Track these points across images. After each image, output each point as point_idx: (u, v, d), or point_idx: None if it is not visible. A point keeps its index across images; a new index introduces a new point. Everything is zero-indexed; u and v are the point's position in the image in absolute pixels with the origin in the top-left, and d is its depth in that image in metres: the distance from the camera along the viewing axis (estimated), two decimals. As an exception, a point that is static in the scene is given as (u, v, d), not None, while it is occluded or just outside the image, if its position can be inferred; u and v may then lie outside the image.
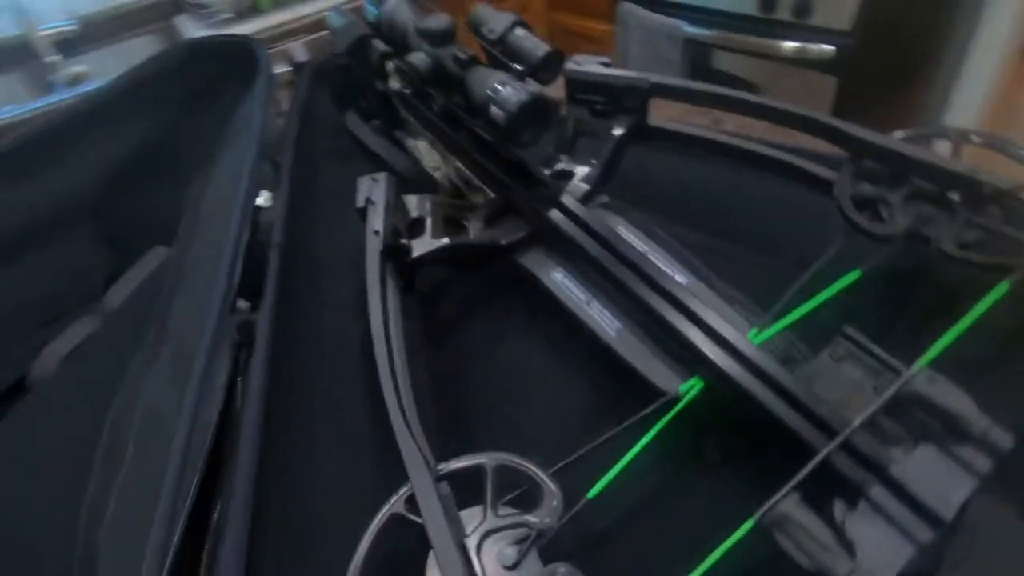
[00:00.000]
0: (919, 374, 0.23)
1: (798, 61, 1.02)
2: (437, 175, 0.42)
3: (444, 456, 0.24)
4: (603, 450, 0.26)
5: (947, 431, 0.22)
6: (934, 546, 0.21)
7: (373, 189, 0.33)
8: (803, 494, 0.22)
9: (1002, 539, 0.21)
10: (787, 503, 0.21)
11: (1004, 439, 0.21)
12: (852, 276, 0.29)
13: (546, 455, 0.25)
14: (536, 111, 0.30)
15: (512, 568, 0.22)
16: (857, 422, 0.23)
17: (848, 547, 0.20)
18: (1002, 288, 0.26)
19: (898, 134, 0.32)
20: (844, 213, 0.30)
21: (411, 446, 0.24)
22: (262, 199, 0.44)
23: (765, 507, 0.21)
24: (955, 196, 0.29)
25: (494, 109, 0.30)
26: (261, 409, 0.29)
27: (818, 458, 0.23)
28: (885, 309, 0.31)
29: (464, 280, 0.38)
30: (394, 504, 0.23)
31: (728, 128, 0.46)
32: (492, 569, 0.22)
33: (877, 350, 0.28)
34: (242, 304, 0.36)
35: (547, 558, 0.23)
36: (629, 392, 0.29)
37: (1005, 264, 0.26)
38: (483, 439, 0.30)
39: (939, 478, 0.22)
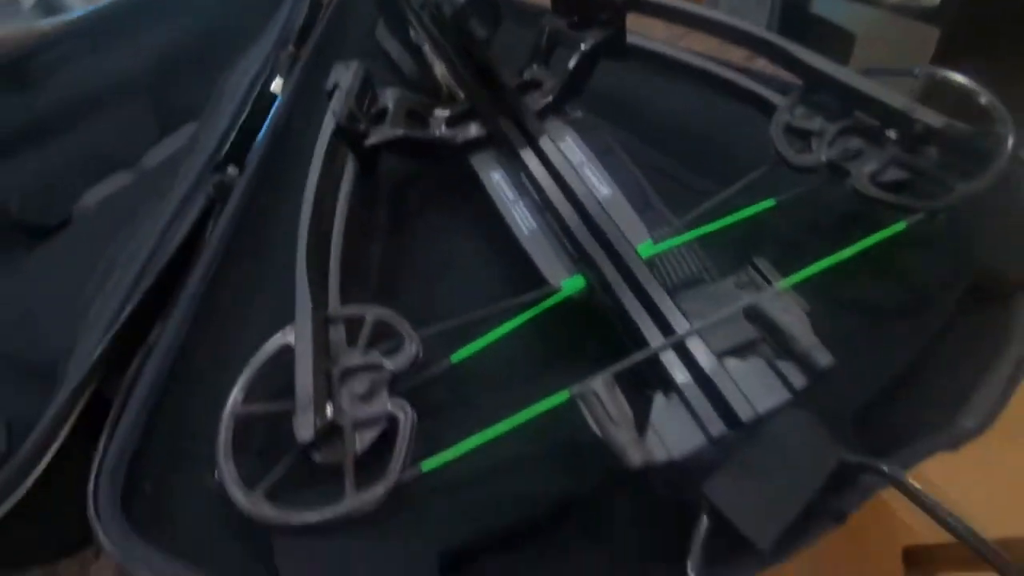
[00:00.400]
0: (769, 291, 0.24)
1: (901, 9, 0.92)
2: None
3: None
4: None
5: (778, 346, 0.23)
6: (724, 445, 0.22)
7: (343, 74, 0.36)
8: (627, 382, 0.24)
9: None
10: (598, 381, 0.23)
11: (822, 359, 0.22)
12: (766, 204, 0.29)
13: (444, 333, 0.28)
14: (481, 5, 0.31)
15: (361, 399, 0.26)
16: (690, 328, 0.24)
17: (642, 427, 0.22)
18: (896, 228, 0.25)
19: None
20: (772, 139, 0.29)
21: (304, 285, 0.27)
22: (276, 86, 0.48)
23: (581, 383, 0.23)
24: (892, 134, 0.27)
25: (444, 3, 0.32)
26: (215, 254, 0.34)
27: (643, 353, 0.24)
28: (796, 241, 0.30)
29: (425, 175, 0.41)
30: (284, 333, 0.27)
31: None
32: (347, 398, 0.26)
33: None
34: (232, 171, 0.41)
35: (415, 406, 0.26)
36: (532, 286, 0.31)
37: (911, 206, 0.25)
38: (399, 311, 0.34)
39: (751, 386, 0.23)
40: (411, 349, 0.26)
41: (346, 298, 0.30)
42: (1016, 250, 0.27)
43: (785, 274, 0.28)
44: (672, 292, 0.26)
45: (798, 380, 0.22)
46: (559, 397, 0.24)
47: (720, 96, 0.40)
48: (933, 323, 0.28)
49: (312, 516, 0.23)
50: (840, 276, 0.26)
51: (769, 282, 0.28)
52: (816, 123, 0.29)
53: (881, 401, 0.27)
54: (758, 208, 0.29)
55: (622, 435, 0.21)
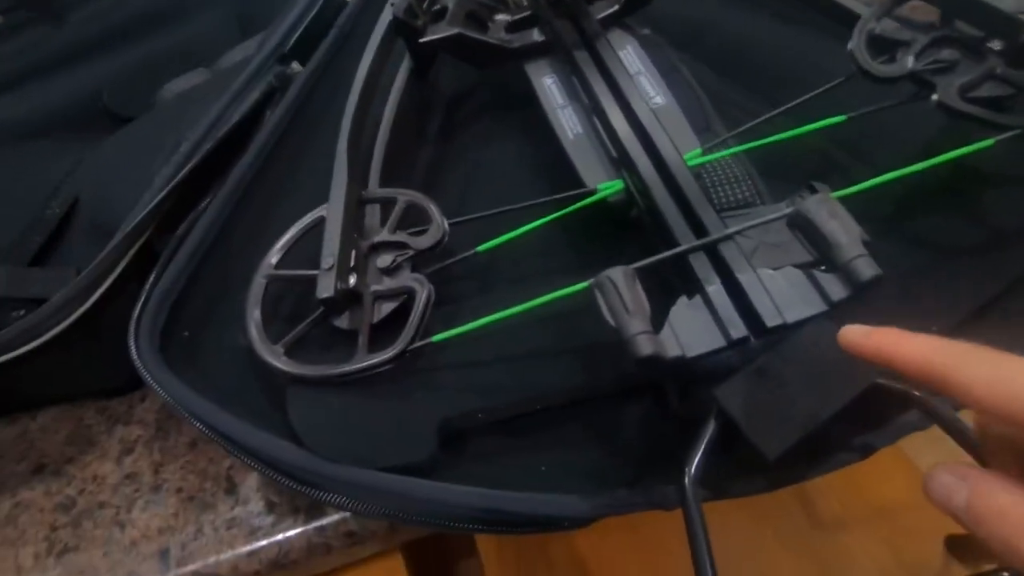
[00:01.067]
0: (816, 196, 0.22)
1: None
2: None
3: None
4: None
5: (820, 255, 0.21)
6: (746, 353, 0.21)
7: (409, -30, 0.36)
8: (657, 288, 0.23)
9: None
10: (616, 271, 0.22)
11: (867, 270, 0.20)
12: (834, 119, 0.27)
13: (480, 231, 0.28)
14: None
15: (385, 272, 0.26)
16: (726, 232, 0.23)
17: (657, 322, 0.21)
18: (983, 144, 0.22)
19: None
20: (850, 48, 0.26)
21: (343, 159, 0.28)
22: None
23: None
24: (995, 45, 0.24)
25: None
26: (270, 135, 0.35)
27: (672, 252, 0.23)
28: (866, 166, 0.27)
29: (480, 88, 0.40)
30: (323, 208, 0.28)
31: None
32: (372, 271, 0.27)
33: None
34: (295, 67, 0.42)
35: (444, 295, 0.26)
36: (572, 188, 0.30)
37: (1005, 122, 0.22)
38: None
39: (783, 294, 0.21)
40: (436, 230, 0.26)
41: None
42: None
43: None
44: (718, 211, 0.25)
45: (837, 292, 0.21)
46: (578, 286, 0.23)
47: (801, 23, 0.37)
48: (1010, 270, 0.25)
49: (324, 370, 0.24)
50: (910, 201, 0.24)
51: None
52: (906, 33, 0.26)
53: None
54: (825, 123, 0.26)
55: (634, 324, 0.20)
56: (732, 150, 0.28)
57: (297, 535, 0.26)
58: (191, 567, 0.26)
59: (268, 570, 0.26)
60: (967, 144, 0.22)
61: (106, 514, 0.28)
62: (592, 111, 0.31)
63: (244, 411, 0.25)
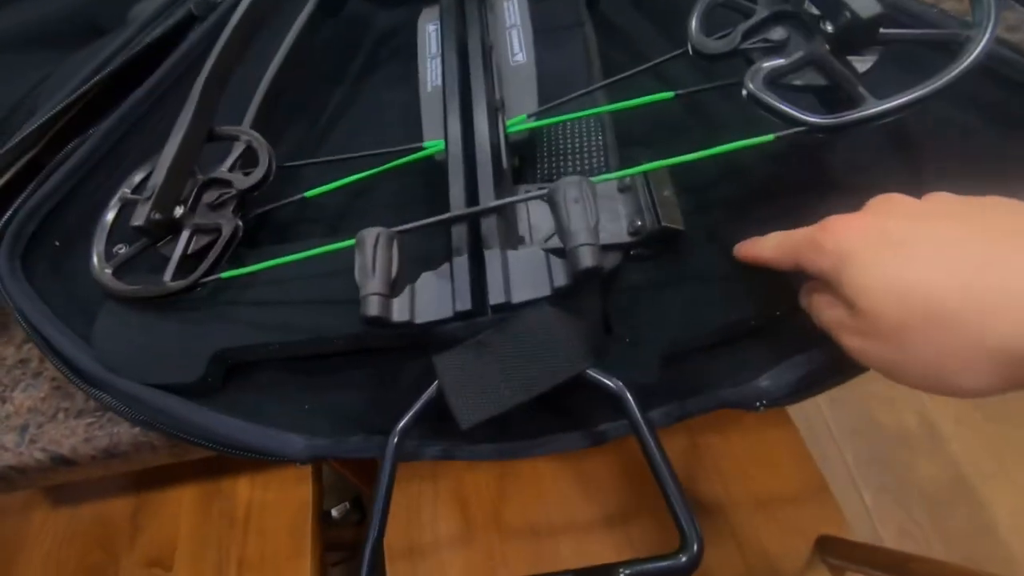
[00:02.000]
0: (569, 178, 0.21)
1: None
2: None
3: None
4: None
5: (560, 237, 0.21)
6: (477, 325, 0.21)
7: None
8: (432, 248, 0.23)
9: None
10: (373, 231, 0.22)
11: (584, 260, 0.20)
12: (663, 96, 0.25)
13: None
14: None
15: (210, 208, 0.28)
16: (484, 207, 0.23)
17: (400, 288, 0.22)
18: (762, 139, 0.21)
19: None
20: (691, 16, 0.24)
21: (196, 95, 0.29)
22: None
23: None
24: (828, 26, 0.21)
25: None
26: (174, 65, 0.36)
27: (434, 220, 0.23)
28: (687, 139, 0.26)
29: (399, 31, 0.39)
30: None
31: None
32: (201, 204, 0.28)
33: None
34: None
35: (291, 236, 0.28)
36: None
37: (796, 119, 0.20)
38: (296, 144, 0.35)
39: (519, 275, 0.21)
40: (260, 171, 0.28)
41: (288, 133, 0.31)
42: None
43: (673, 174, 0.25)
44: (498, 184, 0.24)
45: (560, 278, 0.20)
46: (345, 243, 0.24)
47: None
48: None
49: (131, 291, 0.26)
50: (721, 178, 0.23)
51: (647, 180, 0.25)
52: (752, 5, 0.23)
53: (711, 344, 0.24)
54: (652, 99, 0.25)
55: (370, 284, 0.21)
56: (557, 119, 0.27)
57: (125, 432, 0.29)
58: (40, 444, 0.30)
59: (103, 456, 0.30)
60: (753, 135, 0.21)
61: (-4, 390, 0.33)
62: (442, 65, 0.30)
63: (82, 317, 0.28)
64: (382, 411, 0.25)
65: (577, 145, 0.29)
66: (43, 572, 0.50)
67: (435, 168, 0.28)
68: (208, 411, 0.24)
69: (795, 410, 1.01)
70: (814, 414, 0.97)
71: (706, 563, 0.42)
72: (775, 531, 0.41)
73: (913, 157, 0.24)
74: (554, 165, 0.29)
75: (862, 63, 0.21)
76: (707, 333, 0.23)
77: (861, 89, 0.20)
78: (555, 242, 0.24)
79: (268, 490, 0.50)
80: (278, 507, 0.49)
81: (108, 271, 0.27)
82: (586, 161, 0.29)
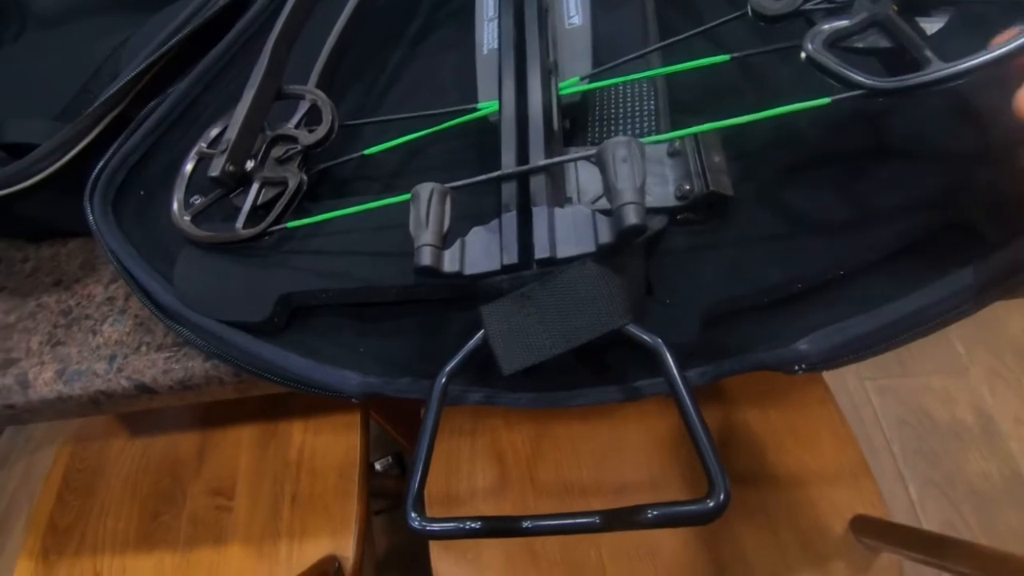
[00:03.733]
0: (618, 138, 0.22)
1: None
2: None
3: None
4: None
5: (607, 196, 0.22)
6: (522, 278, 0.23)
7: None
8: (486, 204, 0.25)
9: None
10: (427, 186, 0.23)
11: (629, 217, 0.20)
12: (718, 59, 0.25)
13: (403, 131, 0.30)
14: None
15: (278, 162, 0.30)
16: (533, 166, 0.23)
17: (451, 241, 0.23)
18: (818, 103, 0.20)
19: None
20: (750, -21, 0.24)
21: (267, 53, 0.31)
22: None
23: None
24: (897, -12, 0.21)
25: None
26: (248, 24, 0.38)
27: (485, 176, 0.24)
28: (743, 102, 0.26)
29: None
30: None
31: None
32: (270, 158, 0.30)
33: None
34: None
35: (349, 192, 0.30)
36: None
37: (850, 79, 0.20)
38: (357, 104, 0.36)
39: (565, 231, 0.22)
40: (323, 129, 0.29)
41: (350, 92, 0.33)
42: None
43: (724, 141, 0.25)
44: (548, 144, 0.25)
45: (605, 235, 0.21)
46: (402, 197, 0.25)
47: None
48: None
49: (208, 236, 0.29)
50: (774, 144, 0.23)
51: (697, 145, 0.25)
52: (818, -35, 0.23)
53: (752, 306, 0.24)
54: (707, 62, 0.25)
55: (423, 236, 0.23)
56: (610, 81, 0.27)
57: (198, 366, 0.32)
58: (125, 373, 0.33)
59: (178, 388, 0.33)
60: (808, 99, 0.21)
61: (88, 323, 0.37)
62: (498, 26, 0.30)
63: (163, 260, 0.31)
64: (429, 358, 0.27)
65: (628, 110, 0.30)
66: (121, 493, 0.55)
67: (488, 129, 0.29)
68: (273, 347, 0.26)
69: (842, 397, 0.99)
70: (862, 402, 0.95)
71: (736, 535, 0.43)
72: (809, 508, 0.42)
73: (982, 127, 0.24)
74: (605, 129, 0.29)
75: (930, 25, 0.21)
76: (748, 296, 0.23)
77: (928, 52, 0.20)
78: (603, 204, 0.25)
79: (320, 434, 0.54)
80: (328, 450, 0.53)
81: (187, 218, 0.30)
82: (637, 126, 0.29)
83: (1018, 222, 0.21)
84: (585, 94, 0.28)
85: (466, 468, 0.49)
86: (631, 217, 0.20)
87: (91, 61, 0.49)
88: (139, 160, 0.34)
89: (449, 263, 0.23)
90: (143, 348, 0.34)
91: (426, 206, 0.23)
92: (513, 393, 0.25)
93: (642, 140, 0.22)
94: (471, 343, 0.23)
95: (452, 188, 0.24)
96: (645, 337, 0.21)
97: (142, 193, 0.34)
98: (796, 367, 0.22)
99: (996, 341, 0.97)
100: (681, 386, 0.20)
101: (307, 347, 0.27)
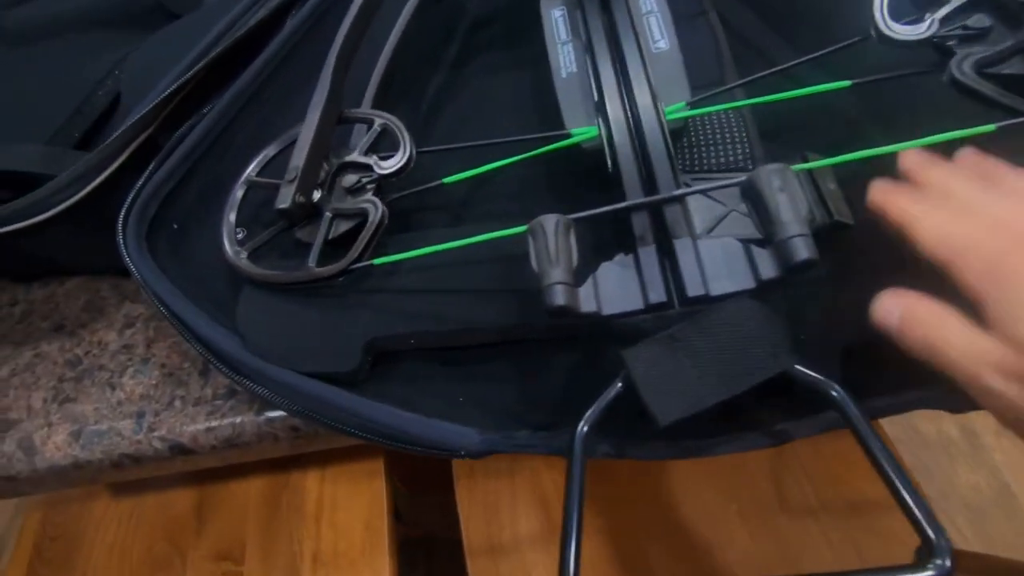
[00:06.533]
0: (771, 165, 0.20)
1: None
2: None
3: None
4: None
5: (763, 228, 0.20)
6: (665, 319, 0.21)
7: None
8: (611, 245, 0.23)
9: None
10: (551, 218, 0.21)
11: (801, 251, 0.19)
12: (837, 85, 0.24)
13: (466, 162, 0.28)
14: None
15: (349, 191, 0.27)
16: (672, 194, 0.22)
17: (583, 278, 0.21)
18: (983, 129, 0.20)
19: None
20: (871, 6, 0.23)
21: (328, 78, 0.28)
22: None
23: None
24: (1039, 15, 0.21)
25: None
26: (283, 44, 0.35)
27: (614, 206, 0.22)
28: (867, 132, 0.25)
29: (501, 16, 0.39)
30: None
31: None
32: (338, 187, 0.27)
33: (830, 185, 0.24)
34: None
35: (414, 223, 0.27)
36: (558, 130, 0.29)
37: (1016, 107, 0.20)
38: (425, 129, 0.34)
39: (715, 265, 0.20)
40: (402, 156, 0.27)
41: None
42: None
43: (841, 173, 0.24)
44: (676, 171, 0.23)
45: (767, 270, 0.20)
46: (515, 229, 0.23)
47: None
48: None
49: (275, 276, 0.25)
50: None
51: (811, 175, 0.24)
52: (941, -8, 0.23)
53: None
54: (825, 88, 0.24)
55: (553, 274, 0.20)
56: (718, 107, 0.26)
57: (250, 422, 0.29)
58: (159, 432, 0.29)
59: (223, 447, 0.29)
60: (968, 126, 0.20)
61: (103, 376, 0.32)
62: (585, 50, 0.29)
63: (210, 301, 0.27)
64: (537, 406, 0.24)
65: (719, 136, 0.28)
66: (107, 563, 0.49)
67: (558, 156, 0.27)
68: (370, 401, 0.23)
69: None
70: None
71: (802, 568, 0.41)
72: (876, 539, 0.40)
73: None
74: (698, 155, 0.28)
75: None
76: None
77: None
78: (718, 234, 0.23)
79: (339, 483, 0.49)
80: (350, 501, 0.48)
81: (244, 255, 0.27)
82: (730, 152, 0.28)
83: None
84: (685, 119, 0.27)
85: (507, 513, 0.46)
86: (802, 251, 0.19)
87: (80, 81, 0.45)
88: (172, 189, 0.30)
89: (585, 302, 0.21)
90: (177, 403, 0.30)
91: (553, 240, 0.21)
92: (644, 444, 0.22)
93: (793, 167, 0.20)
94: (612, 391, 0.21)
95: (575, 219, 0.22)
96: (817, 378, 0.19)
97: (175, 227, 0.30)
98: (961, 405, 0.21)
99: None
100: (868, 431, 0.18)
101: (398, 399, 0.24)
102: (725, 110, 0.28)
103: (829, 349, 0.22)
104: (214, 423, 0.29)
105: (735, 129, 0.28)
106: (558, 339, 0.25)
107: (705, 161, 0.28)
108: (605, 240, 0.23)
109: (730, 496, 0.44)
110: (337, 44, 0.30)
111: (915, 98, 0.24)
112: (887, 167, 0.24)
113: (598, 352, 0.25)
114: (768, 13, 0.35)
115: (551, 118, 0.30)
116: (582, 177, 0.29)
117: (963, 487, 0.88)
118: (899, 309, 0.19)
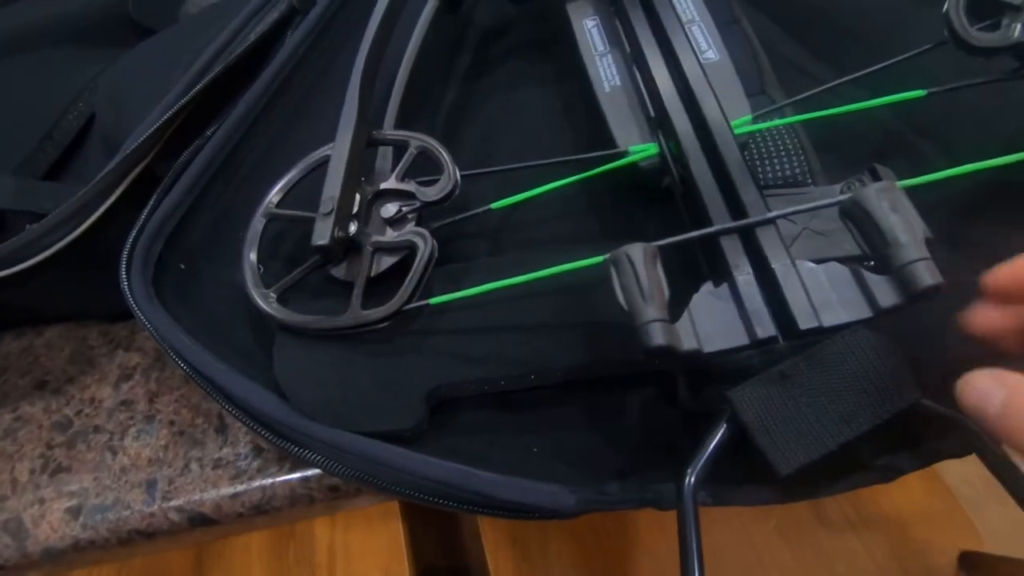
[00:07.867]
0: (877, 184, 0.19)
1: None
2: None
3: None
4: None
5: (874, 253, 0.19)
6: (771, 355, 0.19)
7: None
8: (686, 271, 0.21)
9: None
10: (637, 248, 0.19)
11: (925, 276, 0.17)
12: (913, 94, 0.23)
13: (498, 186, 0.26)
14: None
15: (389, 222, 0.24)
16: (768, 216, 0.20)
17: (677, 311, 0.19)
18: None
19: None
20: (946, 8, 0.22)
21: (354, 97, 0.26)
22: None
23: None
24: None
25: None
26: (285, 62, 0.32)
27: (704, 231, 0.21)
28: (942, 147, 0.24)
29: (517, 25, 0.36)
30: (331, 147, 0.26)
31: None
32: (376, 220, 0.25)
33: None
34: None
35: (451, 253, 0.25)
36: (602, 147, 0.27)
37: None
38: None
39: (823, 293, 0.19)
40: (447, 182, 0.24)
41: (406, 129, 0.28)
42: None
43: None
44: (762, 188, 0.22)
45: (887, 298, 0.18)
46: (592, 260, 0.21)
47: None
48: None
49: (314, 322, 0.23)
50: (987, 200, 0.21)
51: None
52: (1018, -3, 0.22)
53: None
54: (899, 97, 0.23)
55: (648, 311, 0.18)
56: (788, 119, 0.25)
57: (281, 483, 0.26)
58: (176, 502, 0.26)
59: (251, 514, 0.26)
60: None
61: (100, 438, 0.28)
62: (633, 61, 0.27)
63: (231, 352, 0.24)
64: (615, 451, 0.22)
65: (774, 149, 0.27)
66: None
67: (614, 174, 0.25)
68: (440, 462, 0.20)
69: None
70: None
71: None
72: (915, 550, 0.40)
73: None
74: (758, 170, 0.27)
75: None
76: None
77: None
78: (795, 255, 0.21)
79: (351, 529, 0.46)
80: (366, 548, 0.45)
81: (273, 298, 0.24)
82: (787, 166, 0.27)
83: None
84: (748, 135, 0.25)
85: (536, 548, 0.43)
86: (925, 277, 0.17)
87: (44, 104, 0.41)
88: (177, 225, 0.27)
89: (685, 340, 0.19)
90: (193, 466, 0.27)
91: (644, 272, 0.19)
92: (743, 488, 0.21)
93: (899, 184, 0.19)
94: (717, 436, 0.19)
95: (660, 247, 0.20)
96: (947, 411, 0.18)
97: (182, 267, 0.27)
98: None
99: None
100: (1009, 464, 0.17)
101: (469, 454, 0.21)
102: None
103: (928, 373, 0.21)
104: (240, 487, 0.26)
105: (790, 143, 0.27)
106: (627, 377, 0.23)
107: (764, 176, 0.26)
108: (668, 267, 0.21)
109: (767, 511, 0.43)
110: (361, 59, 0.27)
111: (991, 109, 0.23)
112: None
113: (674, 388, 0.23)
114: (787, 20, 0.34)
115: (592, 135, 0.28)
116: (625, 195, 0.28)
117: (955, 480, 0.90)
118: (1003, 394, 0.15)
